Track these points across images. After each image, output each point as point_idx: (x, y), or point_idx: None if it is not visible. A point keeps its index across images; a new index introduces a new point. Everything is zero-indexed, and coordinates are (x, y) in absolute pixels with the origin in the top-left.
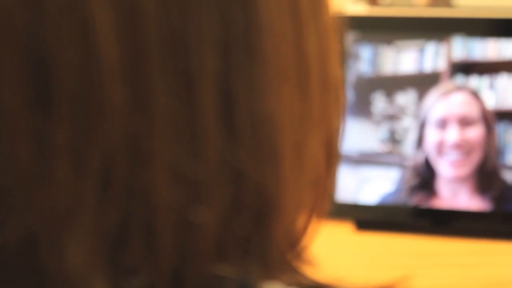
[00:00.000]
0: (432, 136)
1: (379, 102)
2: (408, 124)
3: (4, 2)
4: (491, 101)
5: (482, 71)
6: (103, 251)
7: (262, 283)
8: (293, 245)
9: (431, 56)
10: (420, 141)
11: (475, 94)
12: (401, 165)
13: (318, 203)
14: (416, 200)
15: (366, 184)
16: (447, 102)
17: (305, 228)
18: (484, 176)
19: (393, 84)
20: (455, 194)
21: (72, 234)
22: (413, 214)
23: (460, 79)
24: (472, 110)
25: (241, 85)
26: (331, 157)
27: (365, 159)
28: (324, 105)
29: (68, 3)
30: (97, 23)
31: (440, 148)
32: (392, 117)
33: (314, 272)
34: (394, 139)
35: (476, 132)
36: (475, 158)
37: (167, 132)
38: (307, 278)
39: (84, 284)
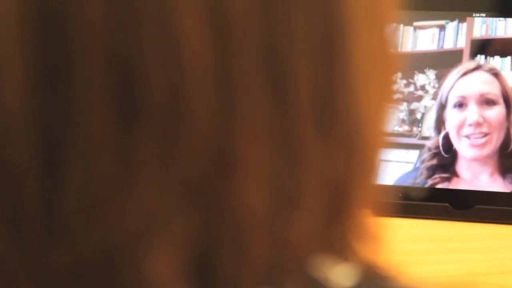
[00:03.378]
0: (452, 116)
1: (398, 82)
2: (427, 104)
3: (89, 10)
4: None
5: (504, 50)
6: (185, 267)
7: (314, 258)
8: (363, 230)
9: (451, 35)
10: (439, 122)
11: (496, 74)
12: (420, 146)
13: (380, 193)
14: (435, 182)
15: (384, 165)
16: (468, 82)
17: (374, 221)
18: (506, 157)
19: (412, 64)
20: (476, 176)
21: (153, 247)
22: (432, 196)
23: (481, 58)
24: (493, 90)
25: (334, 87)
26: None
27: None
28: (391, 94)
29: (156, 10)
30: (184, 31)
31: (460, 128)
32: (411, 97)
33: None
34: (413, 120)
35: (497, 112)
36: (496, 138)
37: (257, 141)
38: (364, 259)
39: None
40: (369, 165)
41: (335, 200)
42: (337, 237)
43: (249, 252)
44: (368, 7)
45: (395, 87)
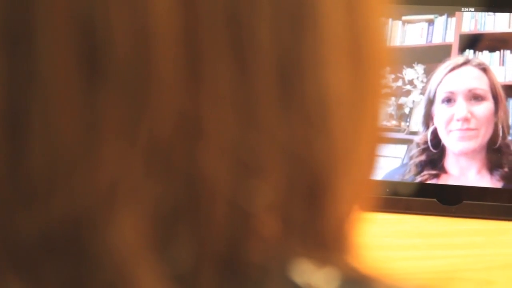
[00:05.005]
0: (440, 111)
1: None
2: (416, 99)
3: None
4: (501, 76)
5: (492, 45)
6: (149, 232)
7: (295, 263)
8: (344, 232)
9: (440, 29)
10: (427, 117)
11: (485, 69)
12: (408, 141)
13: (366, 188)
14: (423, 178)
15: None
16: (456, 77)
17: (356, 216)
18: (494, 153)
19: (400, 58)
20: (463, 172)
21: (118, 214)
22: (420, 192)
23: (469, 53)
24: (482, 85)
25: (298, 58)
26: (377, 140)
27: None
28: (375, 85)
29: None
30: None
31: (448, 123)
32: (399, 92)
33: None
34: (401, 114)
35: (485, 108)
36: (484, 134)
37: (221, 108)
38: (345, 262)
39: (127, 265)
40: (343, 151)
41: (301, 180)
42: (312, 229)
43: (210, 222)
44: None
45: (378, 77)
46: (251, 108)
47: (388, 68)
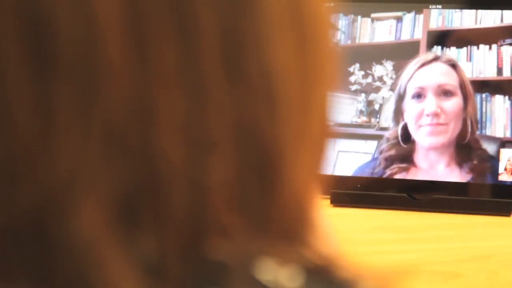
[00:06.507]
0: (410, 107)
1: (356, 74)
2: (385, 95)
3: None
4: (469, 72)
5: (460, 41)
6: (112, 218)
7: (258, 261)
8: (297, 215)
9: (408, 26)
10: (398, 112)
11: (454, 65)
12: (378, 137)
13: (319, 171)
14: (393, 172)
15: (342, 156)
16: (426, 73)
17: (309, 198)
18: (463, 148)
19: (370, 55)
20: (433, 166)
21: (80, 200)
22: (390, 187)
23: (437, 50)
24: (451, 81)
25: (242, 36)
26: (328, 122)
27: (342, 131)
28: (321, 64)
29: None
30: None
31: (418, 118)
32: (369, 88)
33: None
34: (371, 111)
35: (454, 103)
36: (453, 128)
37: (169, 88)
38: (307, 255)
39: (93, 252)
40: (293, 128)
41: (252, 155)
42: (270, 215)
43: (170, 202)
44: None
45: (324, 54)
46: (199, 87)
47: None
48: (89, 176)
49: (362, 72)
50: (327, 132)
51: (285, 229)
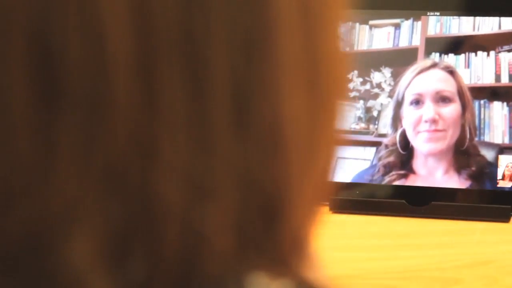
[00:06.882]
0: (408, 113)
1: (354, 80)
2: (384, 102)
3: None
4: (467, 79)
5: (458, 48)
6: (106, 251)
7: (250, 275)
8: (299, 244)
9: (406, 33)
10: (396, 119)
11: (452, 72)
12: (377, 143)
13: (322, 200)
14: (392, 178)
15: (341, 163)
16: (424, 79)
17: (311, 227)
18: (461, 154)
19: (368, 62)
20: (431, 172)
21: (74, 232)
22: (389, 193)
23: (435, 56)
24: (449, 87)
25: (253, 85)
26: (333, 157)
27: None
28: (332, 108)
29: None
30: (107, 17)
31: (417, 125)
32: (367, 95)
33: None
34: (369, 117)
35: (452, 109)
36: (452, 135)
37: (175, 132)
38: (305, 278)
39: (85, 281)
40: (299, 174)
41: (256, 201)
42: (268, 244)
43: (163, 240)
44: (299, 7)
45: (335, 104)
46: (204, 132)
47: (354, 72)
48: (85, 208)
49: (360, 79)
50: (332, 167)
51: (281, 253)
